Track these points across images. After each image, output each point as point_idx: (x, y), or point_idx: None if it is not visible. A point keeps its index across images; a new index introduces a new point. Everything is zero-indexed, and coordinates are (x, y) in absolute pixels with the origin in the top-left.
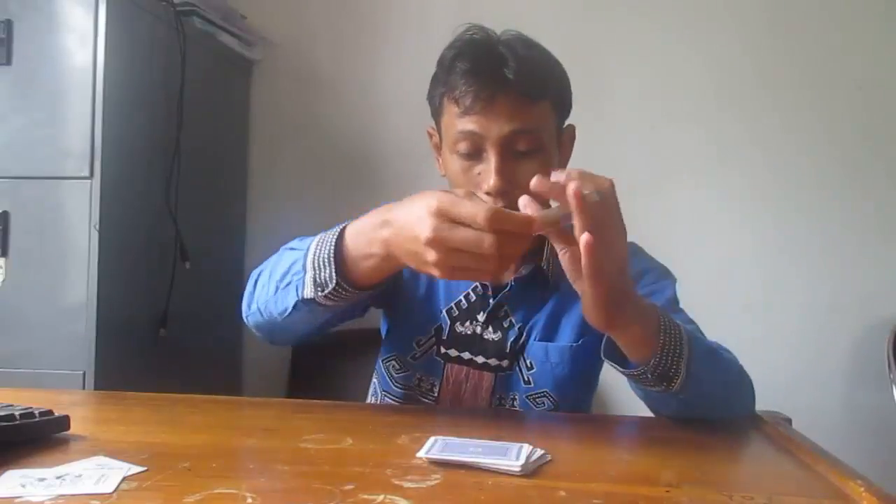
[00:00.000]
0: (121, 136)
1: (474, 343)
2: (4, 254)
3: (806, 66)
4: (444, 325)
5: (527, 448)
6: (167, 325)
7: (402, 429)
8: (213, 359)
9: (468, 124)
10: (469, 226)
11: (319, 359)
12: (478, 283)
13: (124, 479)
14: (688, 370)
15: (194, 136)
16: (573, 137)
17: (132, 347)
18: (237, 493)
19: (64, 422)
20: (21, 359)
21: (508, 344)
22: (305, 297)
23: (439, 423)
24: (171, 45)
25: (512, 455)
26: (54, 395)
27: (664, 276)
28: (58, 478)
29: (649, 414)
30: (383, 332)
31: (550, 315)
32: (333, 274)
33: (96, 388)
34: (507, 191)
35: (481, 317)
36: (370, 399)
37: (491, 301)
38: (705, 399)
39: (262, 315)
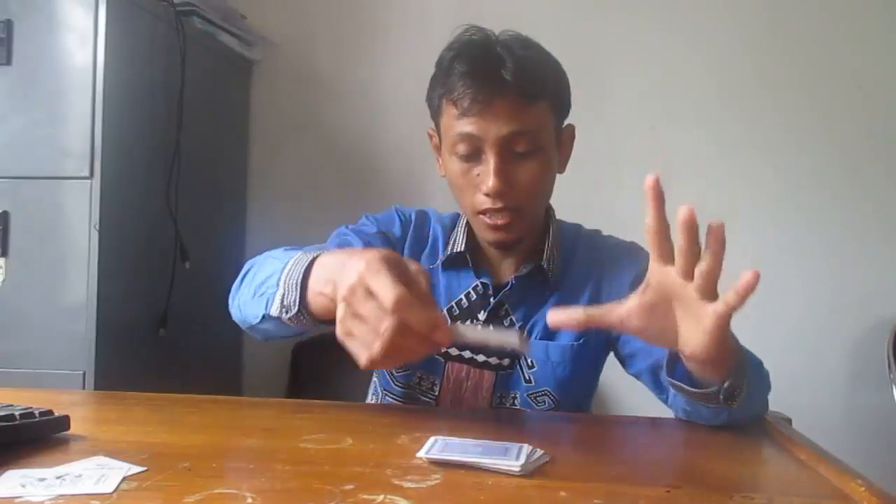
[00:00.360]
0: (121, 136)
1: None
2: (4, 254)
3: (806, 66)
4: None
5: (527, 448)
6: (167, 325)
7: (402, 429)
8: (213, 359)
9: (466, 126)
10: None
11: (319, 359)
12: (478, 282)
13: (124, 479)
14: (748, 388)
15: (194, 136)
16: (573, 137)
17: (132, 347)
18: (237, 493)
19: (64, 422)
20: (21, 359)
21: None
22: (272, 314)
23: (439, 424)
24: (171, 45)
25: (512, 455)
26: (54, 395)
27: None
28: (58, 478)
29: (649, 414)
30: None
31: None
32: (297, 300)
33: (96, 388)
34: (506, 192)
35: (482, 315)
36: (370, 398)
37: (492, 300)
38: (751, 410)
39: (240, 312)
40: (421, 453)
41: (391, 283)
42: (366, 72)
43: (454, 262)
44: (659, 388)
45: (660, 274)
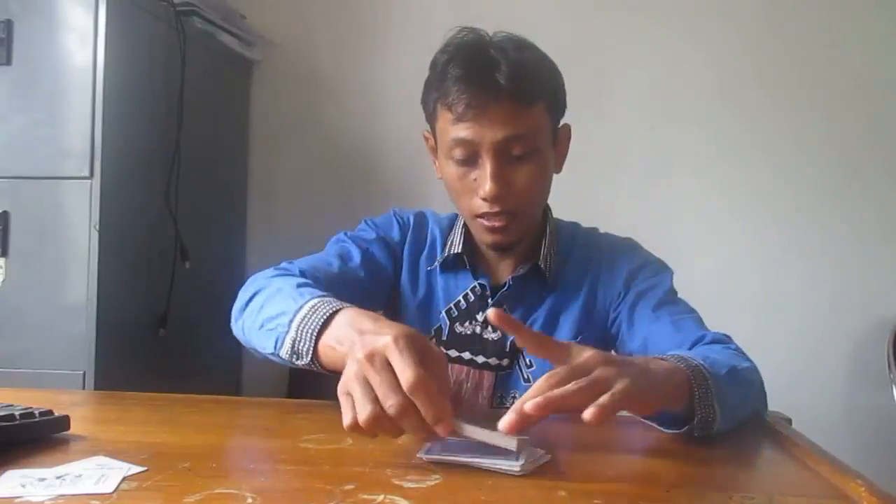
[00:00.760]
0: (121, 136)
1: (474, 343)
2: (4, 254)
3: (806, 65)
4: (443, 326)
5: (527, 448)
6: (167, 325)
7: None
8: (213, 359)
9: (462, 131)
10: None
11: None
12: (476, 283)
13: (124, 479)
14: (721, 407)
15: (194, 136)
16: (569, 136)
17: (132, 347)
18: (237, 493)
19: (64, 422)
20: (21, 359)
21: (508, 343)
22: (282, 355)
23: None
24: (171, 45)
25: (512, 455)
26: (54, 395)
27: (661, 269)
28: (58, 478)
29: None
30: None
31: (549, 313)
32: (311, 350)
33: (96, 388)
34: (504, 196)
35: (480, 316)
36: None
37: (490, 301)
38: (738, 418)
39: (244, 335)
40: (421, 453)
41: (414, 364)
42: (366, 72)
43: (452, 264)
44: None
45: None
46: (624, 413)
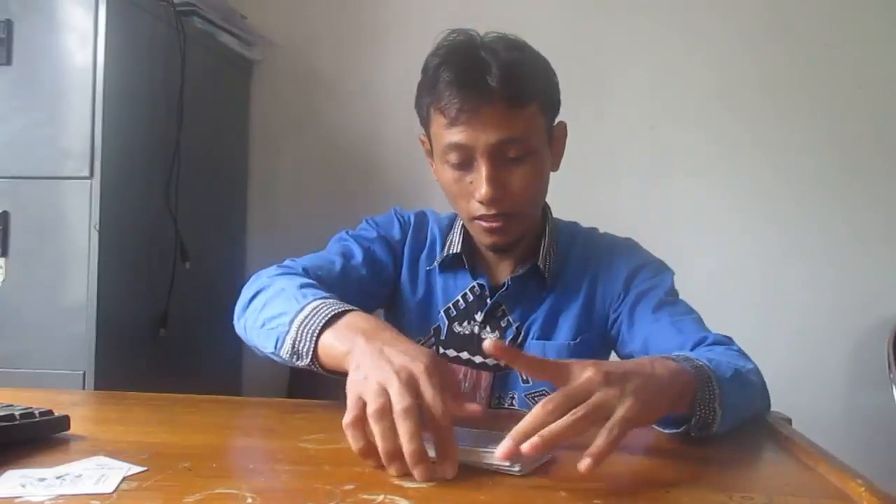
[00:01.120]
0: (121, 136)
1: (472, 343)
2: (4, 254)
3: (806, 65)
4: (441, 326)
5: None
6: (167, 325)
7: None
8: (213, 359)
9: (456, 136)
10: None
11: None
12: (475, 283)
13: (124, 479)
14: (723, 408)
15: (194, 136)
16: (565, 134)
17: (132, 347)
18: (237, 493)
19: (64, 422)
20: (21, 359)
21: (506, 343)
22: (281, 355)
23: None
24: (171, 45)
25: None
26: (54, 395)
27: (662, 269)
28: (58, 478)
29: None
30: None
31: (548, 313)
32: (311, 350)
33: (96, 388)
34: (500, 198)
35: (479, 316)
36: None
37: (488, 301)
38: (741, 418)
39: (246, 334)
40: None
41: (442, 400)
42: (366, 72)
43: (451, 264)
44: None
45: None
46: None
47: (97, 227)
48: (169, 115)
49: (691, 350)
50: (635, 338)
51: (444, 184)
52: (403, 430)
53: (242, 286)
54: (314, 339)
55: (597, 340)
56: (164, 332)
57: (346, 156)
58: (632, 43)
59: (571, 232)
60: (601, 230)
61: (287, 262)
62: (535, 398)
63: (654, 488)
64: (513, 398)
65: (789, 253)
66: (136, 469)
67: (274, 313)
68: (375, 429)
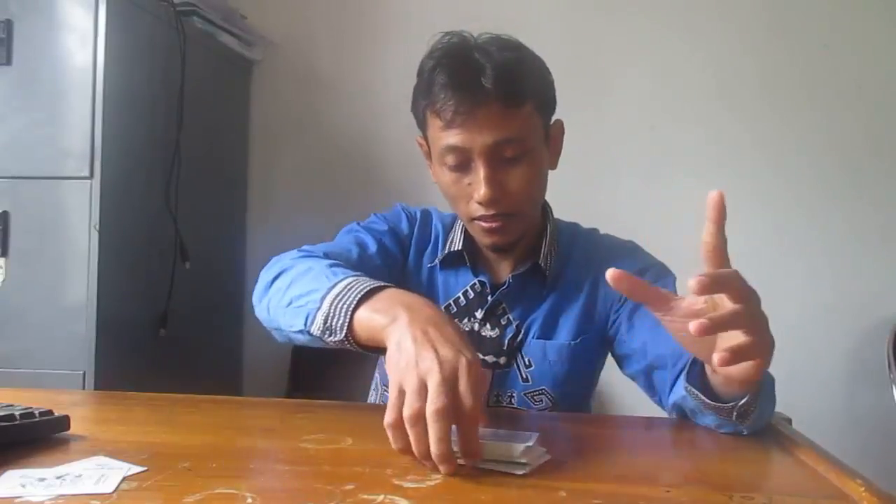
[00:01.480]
0: (121, 136)
1: (473, 340)
2: (4, 254)
3: (806, 65)
4: None
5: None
6: (167, 325)
7: None
8: (213, 359)
9: (452, 138)
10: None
11: (319, 359)
12: (476, 281)
13: (124, 479)
14: (760, 407)
15: (194, 136)
16: (562, 132)
17: (132, 347)
18: (237, 493)
19: (64, 422)
20: (21, 359)
21: (506, 341)
22: (312, 332)
23: None
24: (171, 45)
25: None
26: (54, 395)
27: (664, 273)
28: (58, 478)
29: (649, 414)
30: None
31: (548, 313)
32: (345, 325)
33: (96, 388)
34: (499, 199)
35: (479, 314)
36: (371, 392)
37: (489, 298)
38: (757, 426)
39: (269, 315)
40: None
41: (476, 398)
42: (366, 72)
43: (452, 261)
44: (652, 390)
45: None
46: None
47: (97, 227)
48: (169, 115)
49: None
50: (635, 339)
51: (443, 186)
52: (433, 430)
53: (242, 286)
54: (349, 313)
55: (596, 340)
56: (164, 332)
57: (345, 156)
58: (632, 43)
59: (572, 233)
60: (601, 230)
61: (306, 248)
62: (534, 397)
63: (654, 488)
64: (511, 396)
65: (789, 252)
66: (136, 469)
67: (302, 291)
68: (410, 433)
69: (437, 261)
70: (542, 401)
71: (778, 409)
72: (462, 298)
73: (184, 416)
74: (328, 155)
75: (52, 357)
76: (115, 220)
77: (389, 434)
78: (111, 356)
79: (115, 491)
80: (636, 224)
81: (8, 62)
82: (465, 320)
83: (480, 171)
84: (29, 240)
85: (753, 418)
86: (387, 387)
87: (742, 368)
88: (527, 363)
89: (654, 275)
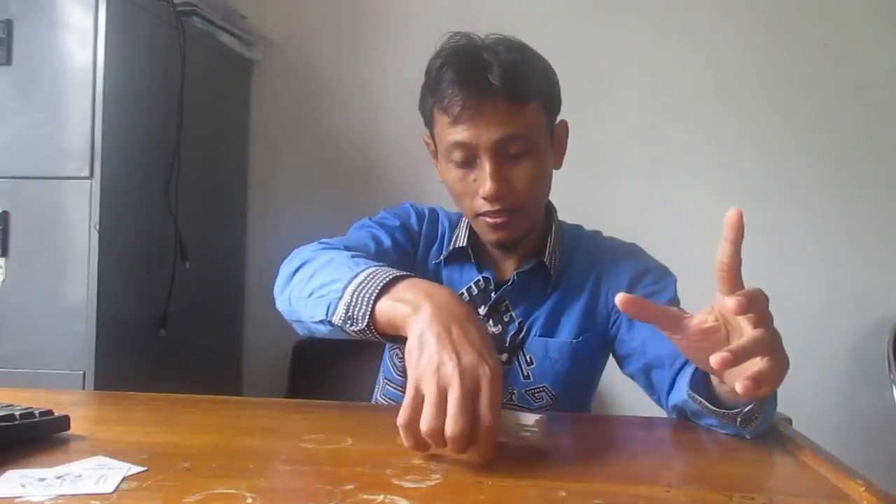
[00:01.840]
0: (121, 136)
1: None
2: (4, 254)
3: (806, 66)
4: None
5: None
6: (167, 325)
7: None
8: (213, 359)
9: (459, 134)
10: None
11: (320, 359)
12: (480, 277)
13: (124, 479)
14: (764, 412)
15: (194, 136)
16: (566, 132)
17: (132, 347)
18: (237, 493)
19: (64, 422)
20: (21, 359)
21: (508, 338)
22: (334, 321)
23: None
24: (171, 45)
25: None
26: (54, 395)
27: (665, 275)
28: (58, 478)
29: (649, 414)
30: None
31: (551, 311)
32: (367, 314)
33: (96, 388)
34: (504, 194)
35: (482, 310)
36: (376, 386)
37: (493, 295)
38: (762, 428)
39: (290, 306)
40: None
41: (498, 405)
42: (366, 72)
43: (457, 257)
44: (651, 389)
45: (725, 307)
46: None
47: (97, 227)
48: (169, 115)
49: None
50: (634, 338)
51: (449, 183)
52: (452, 448)
53: (243, 286)
54: (371, 302)
55: (598, 340)
56: (164, 332)
57: (345, 156)
58: (632, 43)
59: (576, 234)
60: (602, 230)
61: (325, 240)
62: (535, 394)
63: (654, 488)
64: (512, 394)
65: (789, 253)
66: (136, 469)
67: (325, 281)
68: (427, 437)
69: (442, 257)
70: (542, 398)
71: (778, 409)
72: (466, 294)
73: (184, 416)
74: (328, 155)
75: (52, 357)
76: (115, 220)
77: (402, 433)
78: (111, 356)
79: (115, 491)
80: (636, 224)
81: (8, 62)
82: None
83: (486, 167)
84: (29, 240)
85: (757, 424)
86: (389, 381)
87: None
88: (528, 360)
89: (655, 276)
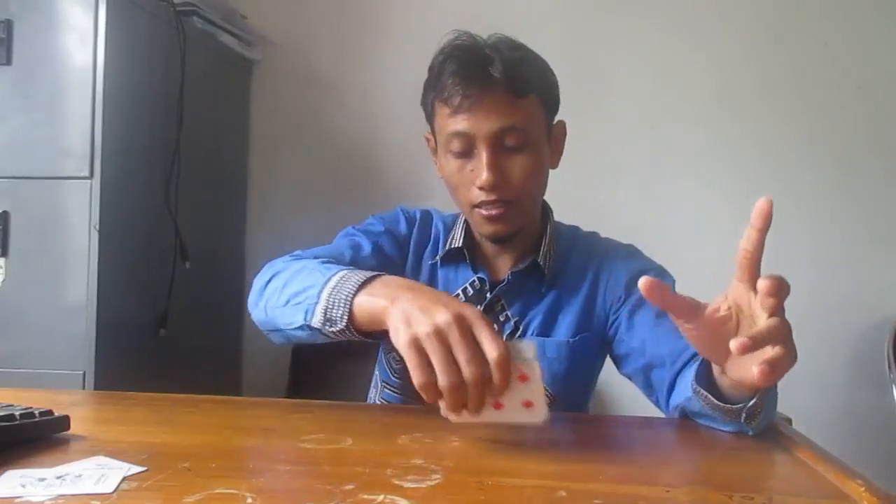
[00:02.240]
0: (121, 136)
1: None
2: (4, 254)
3: (806, 66)
4: None
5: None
6: (167, 325)
7: (402, 429)
8: (213, 359)
9: (458, 124)
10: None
11: (319, 359)
12: (475, 278)
13: (124, 479)
14: (766, 408)
15: (194, 136)
16: (564, 132)
17: (132, 347)
18: (237, 493)
19: (64, 422)
20: (21, 359)
21: (504, 337)
22: (313, 325)
23: (439, 423)
24: (171, 45)
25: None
26: (54, 395)
27: (663, 276)
28: (58, 478)
29: (649, 414)
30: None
31: (547, 311)
32: (345, 315)
33: (96, 388)
34: (500, 185)
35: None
36: (371, 388)
37: (488, 294)
38: (764, 424)
39: (266, 316)
40: (451, 416)
41: (500, 339)
42: (366, 72)
43: (452, 258)
44: (650, 388)
45: (740, 296)
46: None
47: (97, 227)
48: (169, 115)
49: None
50: (634, 338)
51: (447, 175)
52: (473, 395)
53: (242, 286)
54: (348, 303)
55: (595, 340)
56: (164, 332)
57: (345, 156)
58: (632, 43)
59: (573, 235)
60: (601, 230)
61: (297, 253)
62: None
63: (654, 488)
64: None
65: (789, 253)
66: (136, 469)
67: (298, 289)
68: (446, 397)
69: (437, 258)
70: None
71: (778, 409)
72: (461, 295)
73: (184, 416)
74: (328, 155)
75: (52, 357)
76: (115, 220)
77: (424, 394)
78: (111, 356)
79: (115, 491)
80: (636, 224)
81: (8, 62)
82: None
83: (483, 157)
84: (29, 240)
85: (760, 420)
86: (386, 383)
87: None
88: None
89: (653, 277)
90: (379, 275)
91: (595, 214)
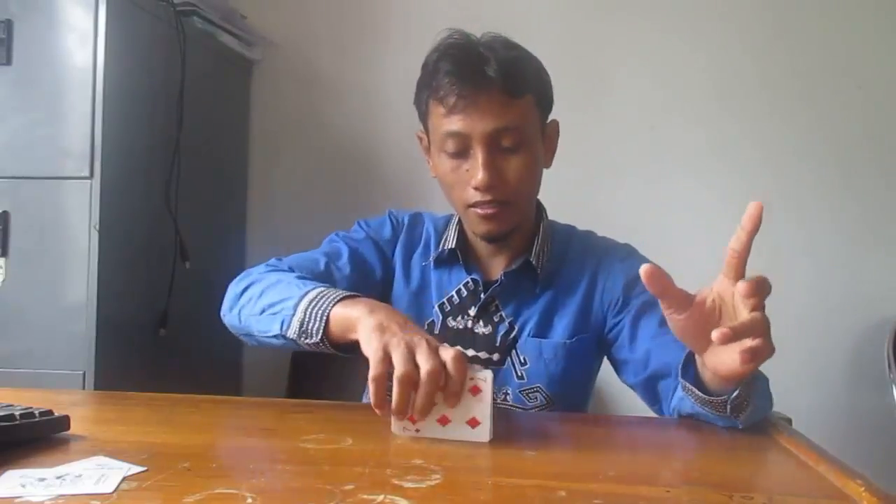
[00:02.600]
0: (121, 136)
1: (466, 337)
2: (4, 254)
3: (806, 65)
4: (436, 320)
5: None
6: (167, 325)
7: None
8: (213, 359)
9: (453, 124)
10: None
11: (319, 359)
12: (469, 279)
13: (124, 479)
14: (754, 402)
15: (194, 136)
16: (557, 132)
17: (132, 347)
18: (237, 493)
19: (64, 422)
20: (21, 359)
21: (499, 338)
22: (288, 335)
23: None
24: (171, 45)
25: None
26: (54, 395)
27: None
28: (58, 478)
29: (649, 414)
30: None
31: (543, 311)
32: (321, 329)
33: (96, 388)
34: (495, 185)
35: (472, 311)
36: (366, 392)
37: (482, 295)
38: (754, 418)
39: (240, 322)
40: (397, 430)
41: (461, 361)
42: (366, 72)
43: (446, 259)
44: (654, 399)
45: (724, 290)
46: (624, 413)
47: (97, 227)
48: (169, 115)
49: None
50: (637, 347)
51: (441, 174)
52: (424, 391)
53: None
54: (325, 317)
55: (593, 341)
56: (164, 332)
57: (345, 156)
58: (632, 43)
59: (568, 234)
60: (600, 230)
61: (273, 261)
62: (529, 394)
63: (654, 488)
64: (506, 394)
65: (789, 253)
66: (136, 469)
67: (274, 300)
68: (396, 389)
69: (430, 259)
70: (536, 398)
71: (778, 409)
72: (455, 296)
73: (184, 416)
74: (328, 155)
75: (52, 357)
76: (115, 220)
77: (371, 387)
78: (111, 356)
79: (115, 491)
80: (636, 224)
81: (8, 62)
82: (459, 318)
83: (479, 157)
84: (29, 240)
85: (748, 413)
86: None
87: (732, 367)
88: (522, 361)
89: None
90: (355, 295)
91: (595, 214)
